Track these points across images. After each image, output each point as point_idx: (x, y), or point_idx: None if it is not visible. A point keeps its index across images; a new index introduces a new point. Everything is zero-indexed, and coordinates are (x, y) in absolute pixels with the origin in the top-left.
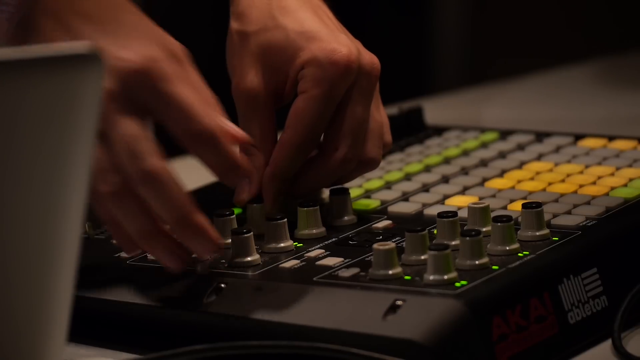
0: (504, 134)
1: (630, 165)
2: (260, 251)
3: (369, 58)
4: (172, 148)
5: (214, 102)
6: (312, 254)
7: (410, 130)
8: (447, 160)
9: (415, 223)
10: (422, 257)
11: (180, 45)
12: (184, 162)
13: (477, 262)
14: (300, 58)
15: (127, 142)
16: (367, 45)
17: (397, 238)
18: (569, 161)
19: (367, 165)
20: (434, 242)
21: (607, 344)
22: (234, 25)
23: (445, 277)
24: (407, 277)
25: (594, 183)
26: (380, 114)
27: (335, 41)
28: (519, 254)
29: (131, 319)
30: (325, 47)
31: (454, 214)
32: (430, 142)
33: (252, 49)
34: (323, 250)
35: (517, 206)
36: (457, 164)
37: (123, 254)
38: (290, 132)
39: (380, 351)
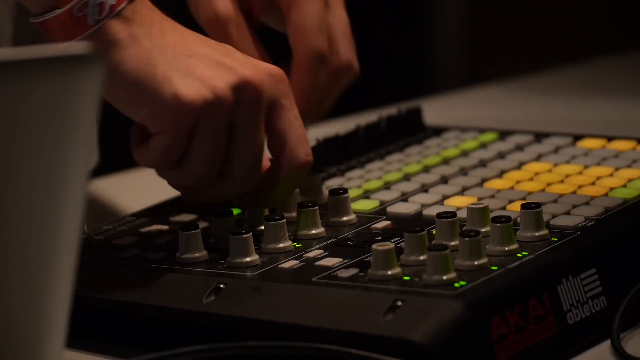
0: (503, 135)
1: (629, 166)
2: (259, 251)
3: None
4: None
5: None
6: (311, 254)
7: (409, 131)
8: (446, 161)
9: (414, 223)
10: (421, 258)
11: None
12: None
13: (476, 263)
14: None
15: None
16: (367, 46)
17: (396, 238)
18: (568, 162)
19: (344, 71)
20: (433, 242)
21: (606, 345)
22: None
23: (445, 277)
24: (406, 278)
25: (593, 184)
26: (341, 12)
27: None
28: (518, 255)
29: (130, 319)
30: None
31: (453, 214)
32: (429, 143)
33: None
34: (322, 251)
35: (516, 207)
36: (456, 164)
37: (122, 254)
38: (299, 48)
39: (380, 351)
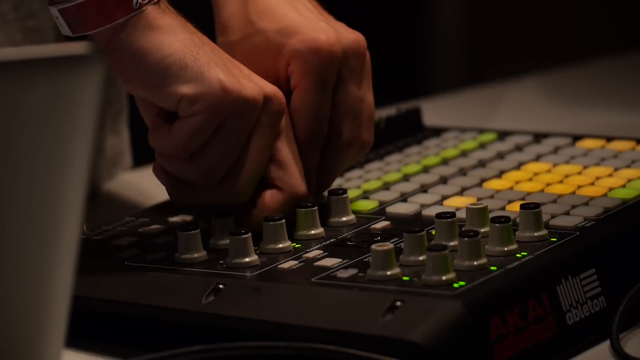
0: (502, 135)
1: (628, 166)
2: (258, 252)
3: (353, 37)
4: None
5: None
6: (311, 254)
7: (409, 131)
8: (445, 161)
9: (414, 224)
10: (421, 258)
11: None
12: None
13: (475, 263)
14: (283, 56)
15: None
16: (367, 45)
17: (395, 239)
18: (567, 162)
19: (363, 147)
20: (432, 242)
21: (605, 345)
22: (219, 39)
23: (444, 277)
24: (405, 278)
25: (592, 184)
26: (370, 94)
27: (314, 30)
28: (517, 255)
29: (129, 319)
30: (305, 39)
31: (452, 214)
32: (428, 143)
33: (238, 59)
34: (321, 251)
35: (515, 207)
36: (456, 164)
37: (121, 254)
38: (294, 128)
39: (379, 352)
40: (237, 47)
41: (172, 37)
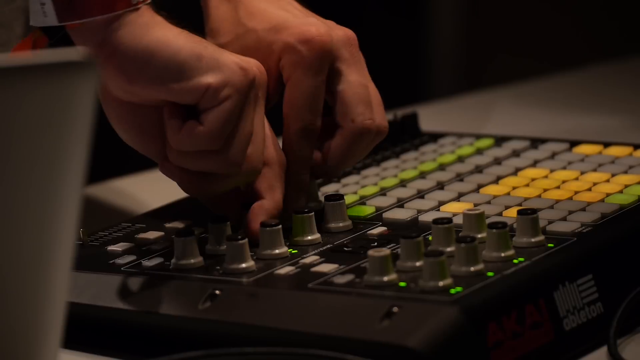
0: (499, 140)
1: (625, 172)
2: (255, 258)
3: (342, 31)
4: None
5: None
6: (307, 260)
7: (405, 137)
8: (442, 167)
9: (410, 229)
10: (418, 264)
11: None
12: None
13: (472, 269)
14: (275, 52)
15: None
16: (363, 52)
17: (392, 244)
18: (564, 168)
19: (380, 132)
20: (429, 248)
21: (602, 351)
22: (209, 42)
23: (441, 283)
24: (402, 284)
25: (589, 189)
26: (372, 83)
27: (304, 24)
28: (514, 261)
29: (125, 325)
30: (295, 32)
31: (449, 220)
32: (425, 149)
33: None
34: (318, 257)
35: (512, 213)
36: (452, 170)
37: (118, 261)
38: (288, 121)
39: (376, 357)
40: (228, 48)
41: (173, 32)
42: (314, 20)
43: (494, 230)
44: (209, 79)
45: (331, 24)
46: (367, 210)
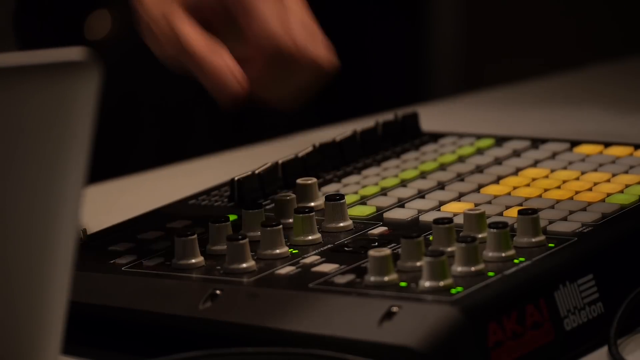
0: (500, 140)
1: (626, 172)
2: (255, 257)
3: None
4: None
5: None
6: (308, 260)
7: (406, 137)
8: (442, 167)
9: (411, 229)
10: (418, 264)
11: None
12: (182, 168)
13: (472, 269)
14: None
15: None
16: (363, 52)
17: (392, 244)
18: (565, 167)
19: (304, 58)
20: (429, 248)
21: (603, 351)
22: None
23: (441, 283)
24: (402, 284)
25: (590, 189)
26: (294, 5)
27: None
28: (515, 261)
29: (126, 325)
30: None
31: (449, 220)
32: (425, 149)
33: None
34: (318, 257)
35: (513, 212)
36: (453, 170)
37: (118, 260)
38: None
39: (376, 358)
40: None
41: None
42: None
43: (495, 230)
44: None
45: None
46: (368, 210)
